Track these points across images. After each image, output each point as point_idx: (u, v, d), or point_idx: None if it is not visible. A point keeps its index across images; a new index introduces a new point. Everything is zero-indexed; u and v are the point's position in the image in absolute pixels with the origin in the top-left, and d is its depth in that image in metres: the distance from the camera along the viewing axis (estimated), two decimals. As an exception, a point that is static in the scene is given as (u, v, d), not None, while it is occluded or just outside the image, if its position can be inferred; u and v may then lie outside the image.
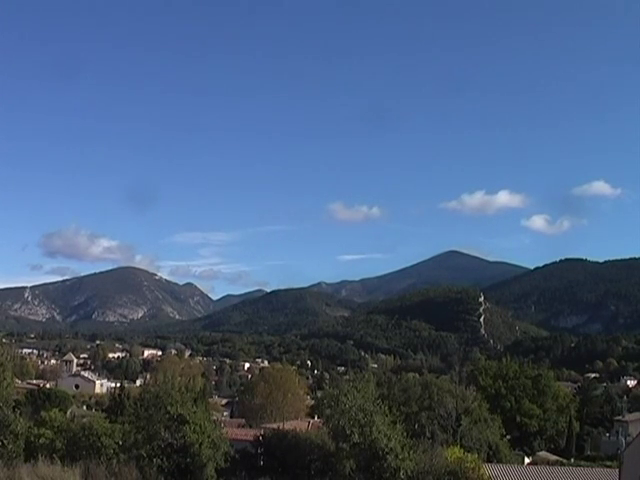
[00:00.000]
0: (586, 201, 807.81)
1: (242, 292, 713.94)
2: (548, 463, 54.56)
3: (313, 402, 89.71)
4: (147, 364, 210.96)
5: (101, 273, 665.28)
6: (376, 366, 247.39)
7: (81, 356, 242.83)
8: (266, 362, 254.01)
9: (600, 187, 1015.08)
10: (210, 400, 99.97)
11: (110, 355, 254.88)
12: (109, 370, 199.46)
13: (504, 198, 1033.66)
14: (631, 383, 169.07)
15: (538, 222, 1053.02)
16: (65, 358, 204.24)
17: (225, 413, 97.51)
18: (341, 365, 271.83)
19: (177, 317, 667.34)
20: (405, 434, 34.90)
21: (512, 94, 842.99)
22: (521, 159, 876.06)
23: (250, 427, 63.51)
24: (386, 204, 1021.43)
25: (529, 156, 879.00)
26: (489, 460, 45.22)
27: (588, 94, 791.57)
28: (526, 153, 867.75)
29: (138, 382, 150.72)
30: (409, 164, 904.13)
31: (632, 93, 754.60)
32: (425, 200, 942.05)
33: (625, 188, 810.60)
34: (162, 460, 34.05)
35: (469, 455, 35.52)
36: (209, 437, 35.03)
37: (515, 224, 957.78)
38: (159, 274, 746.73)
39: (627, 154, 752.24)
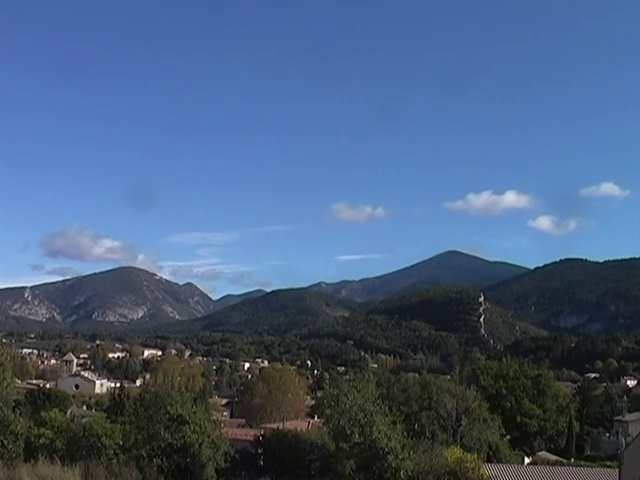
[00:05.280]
0: (594, 202, 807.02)
1: (242, 292, 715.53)
2: (548, 463, 54.52)
3: (313, 402, 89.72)
4: (147, 364, 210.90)
5: (101, 273, 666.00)
6: (376, 366, 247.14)
7: (81, 356, 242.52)
8: (266, 362, 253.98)
9: (609, 188, 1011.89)
10: (210, 400, 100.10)
11: (110, 355, 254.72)
12: (109, 370, 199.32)
13: (511, 198, 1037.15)
14: (631, 383, 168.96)
15: (544, 223, 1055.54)
16: (65, 358, 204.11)
17: (225, 413, 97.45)
18: (341, 365, 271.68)
19: (177, 317, 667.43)
20: (405, 434, 34.87)
21: (521, 93, 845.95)
22: (529, 160, 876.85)
23: (250, 427, 63.46)
24: (391, 204, 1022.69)
25: (537, 157, 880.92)
26: (489, 460, 45.17)
27: (597, 94, 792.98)
28: (534, 154, 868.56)
29: (138, 382, 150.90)
30: (415, 164, 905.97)
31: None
32: (430, 200, 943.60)
33: (634, 189, 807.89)
34: (162, 460, 34.07)
35: (469, 455, 35.48)
36: (209, 437, 35.05)
37: (521, 225, 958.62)
38: (159, 274, 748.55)
39: (636, 155, 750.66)
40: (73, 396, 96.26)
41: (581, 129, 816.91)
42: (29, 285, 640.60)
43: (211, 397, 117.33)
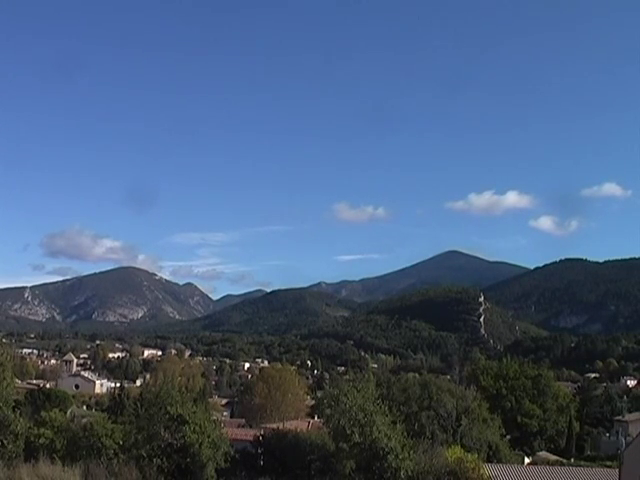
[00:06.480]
0: (596, 202, 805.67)
1: (242, 292, 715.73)
2: (548, 463, 54.51)
3: (313, 402, 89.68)
4: (147, 364, 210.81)
5: (101, 273, 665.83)
6: (376, 366, 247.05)
7: (81, 356, 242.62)
8: (266, 362, 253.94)
9: (611, 189, 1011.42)
10: (210, 400, 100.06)
11: (110, 355, 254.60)
12: (109, 370, 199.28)
13: (512, 199, 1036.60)
14: (631, 383, 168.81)
15: (546, 223, 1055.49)
16: (65, 358, 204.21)
17: (225, 413, 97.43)
18: (341, 365, 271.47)
19: (177, 317, 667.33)
20: (405, 434, 34.89)
21: (523, 93, 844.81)
22: (531, 160, 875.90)
23: (250, 427, 63.48)
24: (392, 204, 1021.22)
25: (539, 157, 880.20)
26: (489, 460, 45.16)
27: (599, 94, 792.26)
28: (536, 154, 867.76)
29: (138, 382, 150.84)
30: (416, 164, 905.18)
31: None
32: (432, 200, 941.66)
33: (636, 190, 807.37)
34: (162, 460, 34.07)
35: (469, 455, 35.49)
36: (209, 437, 35.04)
37: (522, 225, 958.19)
38: (159, 274, 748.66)
39: (639, 155, 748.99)
40: (73, 396, 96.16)
41: (583, 129, 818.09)
42: (29, 285, 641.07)
43: (211, 397, 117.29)
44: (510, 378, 76.02)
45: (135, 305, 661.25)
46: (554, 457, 63.34)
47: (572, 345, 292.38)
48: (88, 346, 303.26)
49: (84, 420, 44.26)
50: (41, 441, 35.73)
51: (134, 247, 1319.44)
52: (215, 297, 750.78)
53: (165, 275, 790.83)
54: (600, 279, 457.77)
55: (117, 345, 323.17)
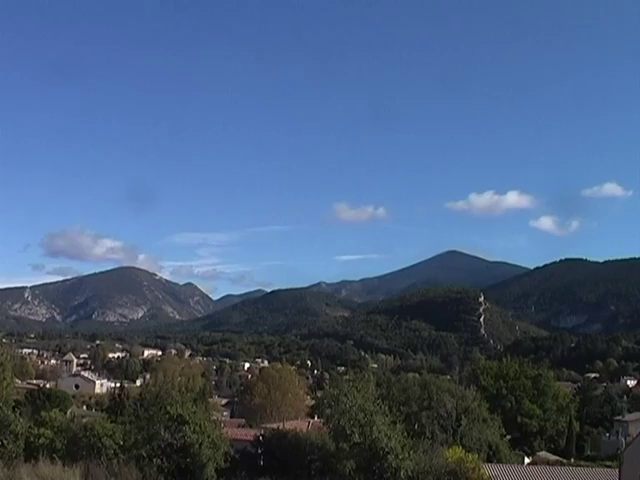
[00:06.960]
0: (596, 202, 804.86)
1: (242, 292, 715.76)
2: (548, 463, 54.54)
3: (313, 402, 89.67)
4: (147, 364, 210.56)
5: (101, 273, 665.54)
6: (376, 366, 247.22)
7: (81, 356, 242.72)
8: (266, 362, 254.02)
9: (611, 189, 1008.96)
10: (210, 400, 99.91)
11: (110, 355, 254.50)
12: (109, 370, 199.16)
13: (513, 199, 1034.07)
14: (631, 383, 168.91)
15: (546, 223, 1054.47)
16: (65, 358, 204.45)
17: (225, 413, 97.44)
18: (341, 365, 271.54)
19: (177, 317, 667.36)
20: (405, 434, 34.89)
21: (524, 93, 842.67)
22: (532, 160, 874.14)
23: (250, 427, 63.47)
24: (392, 204, 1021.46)
25: (540, 157, 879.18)
26: (489, 460, 45.17)
27: (600, 94, 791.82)
28: (537, 154, 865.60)
29: (138, 382, 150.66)
30: (417, 164, 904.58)
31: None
32: (433, 200, 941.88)
33: (637, 190, 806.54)
34: (162, 460, 34.09)
35: (469, 455, 35.49)
36: (209, 437, 35.07)
37: (523, 225, 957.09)
38: (159, 274, 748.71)
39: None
40: (73, 396, 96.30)
41: (584, 129, 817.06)
42: (29, 285, 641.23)
43: (211, 397, 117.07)
44: (510, 378, 76.02)
45: (135, 305, 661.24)
46: (554, 457, 63.40)
47: (572, 345, 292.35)
48: (88, 346, 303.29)
49: (84, 420, 44.28)
50: (41, 441, 35.75)
51: (134, 247, 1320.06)
52: (215, 297, 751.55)
53: (165, 275, 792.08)
54: (600, 279, 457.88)
55: (117, 345, 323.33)
